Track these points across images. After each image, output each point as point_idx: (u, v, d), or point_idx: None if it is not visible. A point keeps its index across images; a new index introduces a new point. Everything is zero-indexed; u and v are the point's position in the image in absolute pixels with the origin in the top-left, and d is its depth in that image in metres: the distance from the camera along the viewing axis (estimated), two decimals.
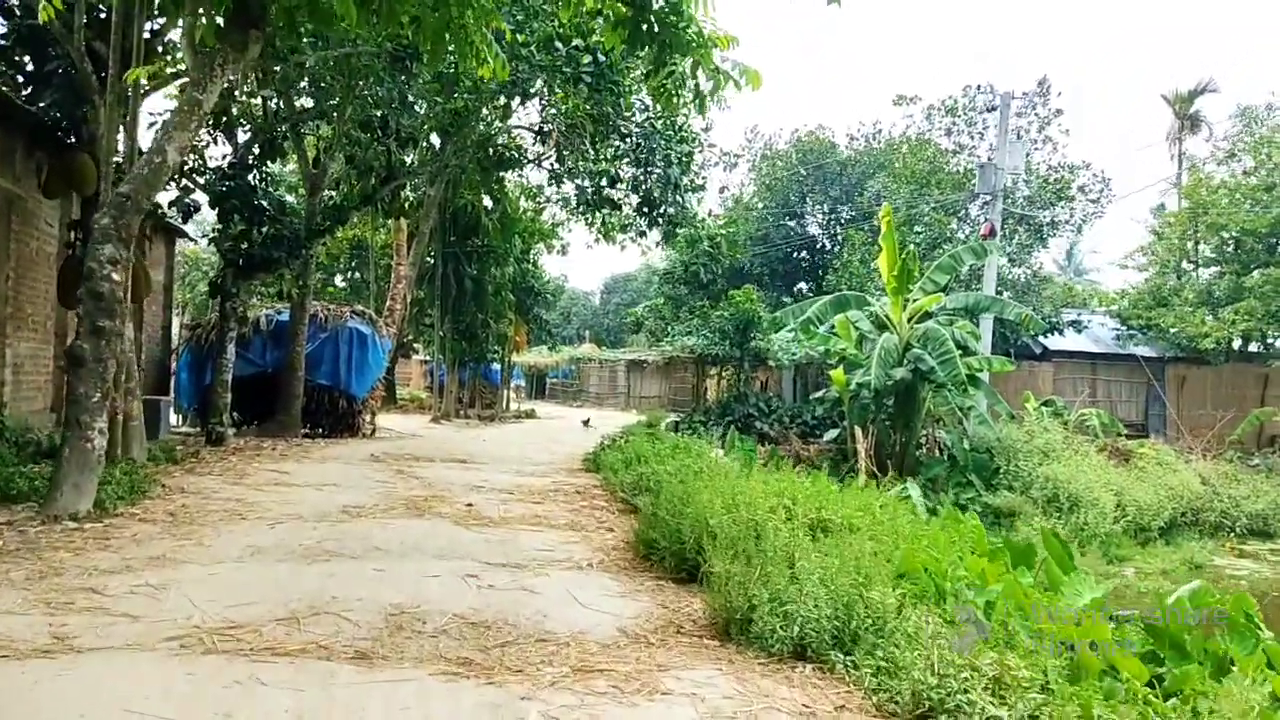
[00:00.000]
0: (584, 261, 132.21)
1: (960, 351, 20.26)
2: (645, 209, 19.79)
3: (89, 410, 8.19)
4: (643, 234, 24.75)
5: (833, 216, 40.93)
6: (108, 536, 7.35)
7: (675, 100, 9.26)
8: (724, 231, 30.69)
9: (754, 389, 29.74)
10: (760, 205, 41.57)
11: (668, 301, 43.29)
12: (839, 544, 5.81)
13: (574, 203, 29.83)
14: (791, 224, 40.78)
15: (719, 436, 27.16)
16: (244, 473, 12.17)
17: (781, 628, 4.87)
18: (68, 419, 8.21)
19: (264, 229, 17.12)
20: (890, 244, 21.62)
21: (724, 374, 31.80)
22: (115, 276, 8.43)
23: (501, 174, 21.56)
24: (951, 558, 5.92)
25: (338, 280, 43.10)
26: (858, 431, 22.22)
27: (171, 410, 20.77)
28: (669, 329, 41.32)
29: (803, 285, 41.84)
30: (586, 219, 34.17)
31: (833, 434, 24.68)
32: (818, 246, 40.83)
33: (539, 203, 34.56)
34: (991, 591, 5.32)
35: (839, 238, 38.60)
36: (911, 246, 23.61)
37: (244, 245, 16.95)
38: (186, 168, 15.83)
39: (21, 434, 12.26)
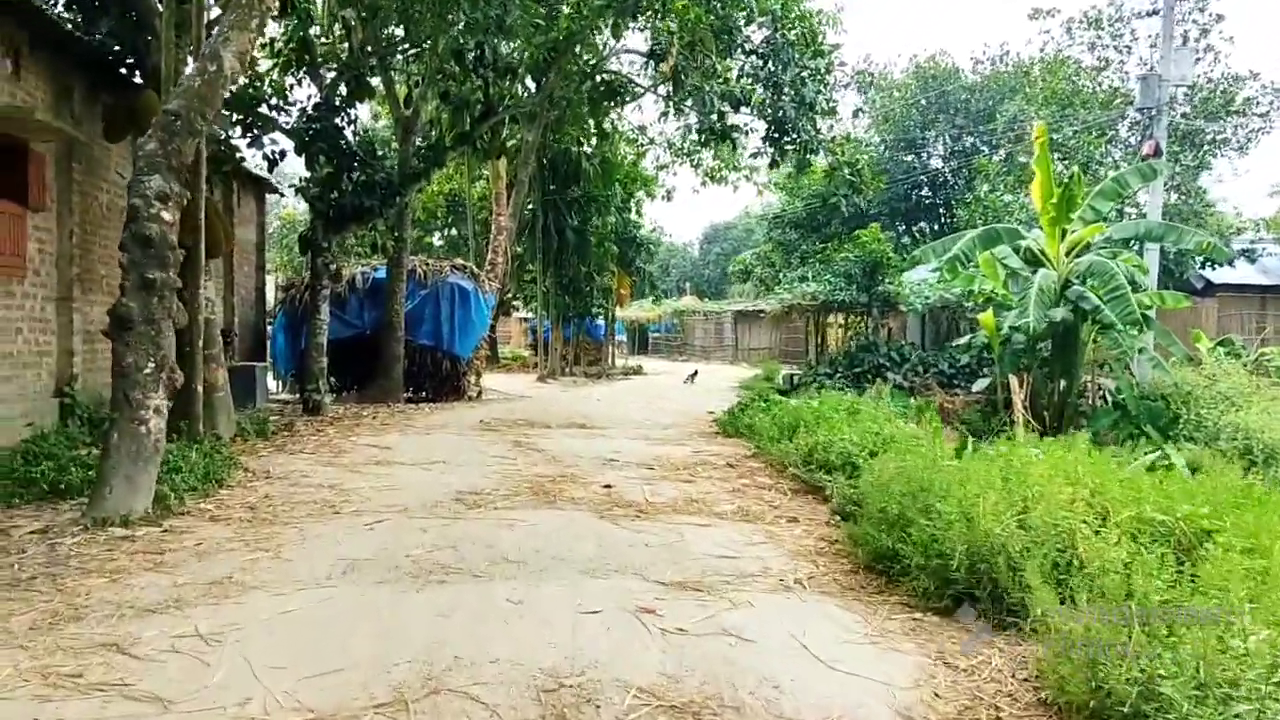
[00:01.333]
0: (681, 212, 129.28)
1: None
2: (775, 135, 17.46)
3: (141, 385, 6.52)
4: (774, 164, 22.17)
5: (957, 148, 37.72)
6: (162, 548, 5.66)
7: None
8: (866, 157, 27.97)
9: (881, 337, 27.23)
10: (876, 139, 38.58)
11: (777, 248, 40.82)
12: (1221, 568, 3.68)
13: (691, 135, 27.68)
14: (910, 158, 37.73)
15: (849, 390, 24.88)
16: (340, 449, 10.53)
17: None
18: (114, 398, 6.55)
19: (354, 175, 15.47)
20: (1045, 168, 18.86)
21: (849, 321, 29.35)
22: (166, 216, 6.70)
23: (610, 106, 19.44)
24: None
25: (435, 238, 41.82)
26: (1012, 380, 19.70)
27: (270, 376, 19.54)
28: (780, 276, 38.90)
29: (924, 225, 38.87)
30: (692, 161, 32.09)
31: (982, 384, 22.17)
32: (940, 182, 37.70)
33: (640, 147, 32.44)
34: None
35: (967, 171, 35.45)
36: (1076, 168, 20.77)
37: (333, 194, 15.33)
38: (269, 108, 14.22)
39: (95, 410, 10.86)
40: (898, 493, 5.26)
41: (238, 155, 14.14)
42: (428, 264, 20.04)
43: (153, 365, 6.56)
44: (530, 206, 30.81)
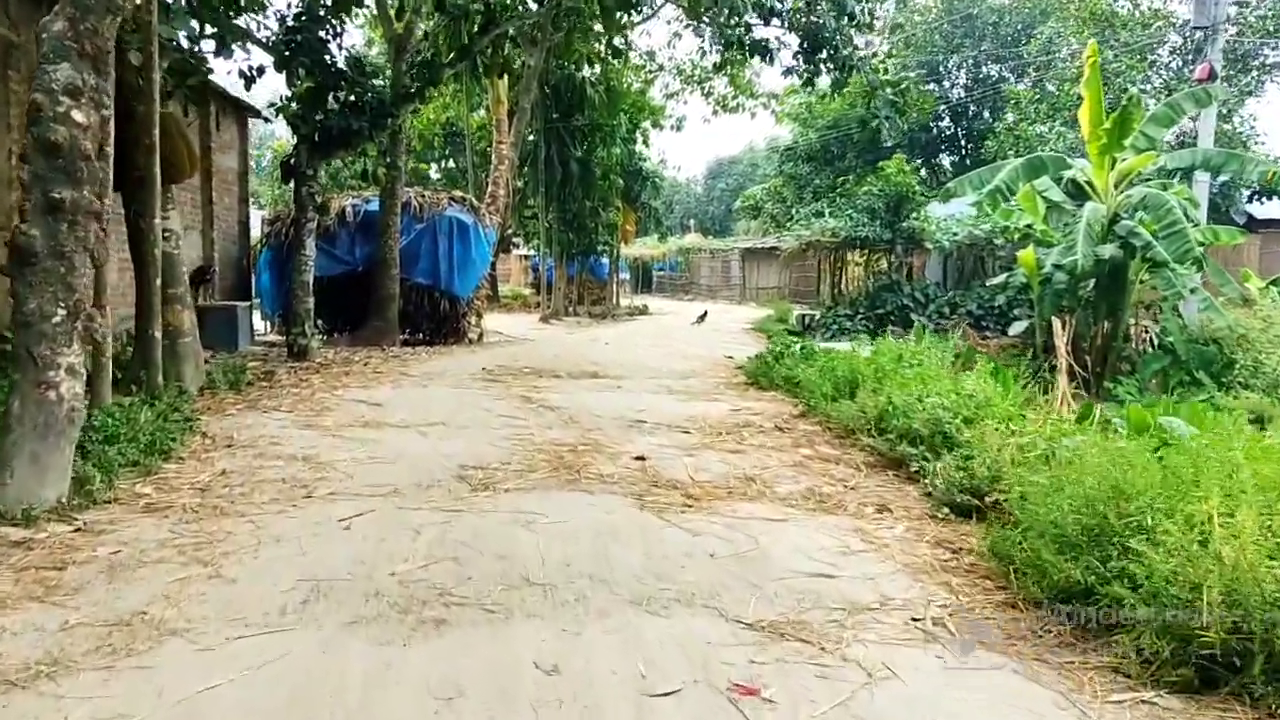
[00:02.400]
0: (684, 147, 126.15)
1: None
2: (809, 50, 15.66)
3: (48, 337, 5.01)
4: (809, 82, 20.25)
5: (980, 75, 35.67)
6: (65, 560, 4.21)
7: None
8: (913, 76, 26.15)
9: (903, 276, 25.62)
10: (898, 67, 36.44)
11: (788, 182, 38.97)
12: None
13: (705, 59, 25.82)
14: (932, 87, 35.66)
15: (867, 334, 23.40)
16: (323, 405, 9.07)
17: None
18: (16, 354, 5.05)
19: (341, 94, 13.79)
20: (1095, 91, 17.10)
21: (866, 260, 27.71)
22: (78, 116, 5.12)
23: (624, 18, 17.56)
24: None
25: (432, 171, 39.91)
26: (1055, 324, 18.21)
27: (256, 317, 18.01)
28: (792, 212, 37.13)
29: (944, 159, 36.99)
30: (703, 89, 30.18)
31: (1019, 326, 20.69)
32: (960, 113, 35.73)
33: (649, 73, 30.46)
34: None
35: (993, 99, 33.50)
36: (1134, 90, 19.03)
37: (318, 116, 13.66)
38: (240, 10, 12.46)
39: None
40: (1073, 497, 3.78)
41: (206, 68, 12.43)
42: (424, 196, 18.41)
43: (63, 312, 5.05)
44: (531, 137, 28.99)
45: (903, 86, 18.62)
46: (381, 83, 15.85)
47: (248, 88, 14.01)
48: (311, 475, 6.08)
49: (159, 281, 9.43)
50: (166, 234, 9.72)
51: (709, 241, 53.65)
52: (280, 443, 7.12)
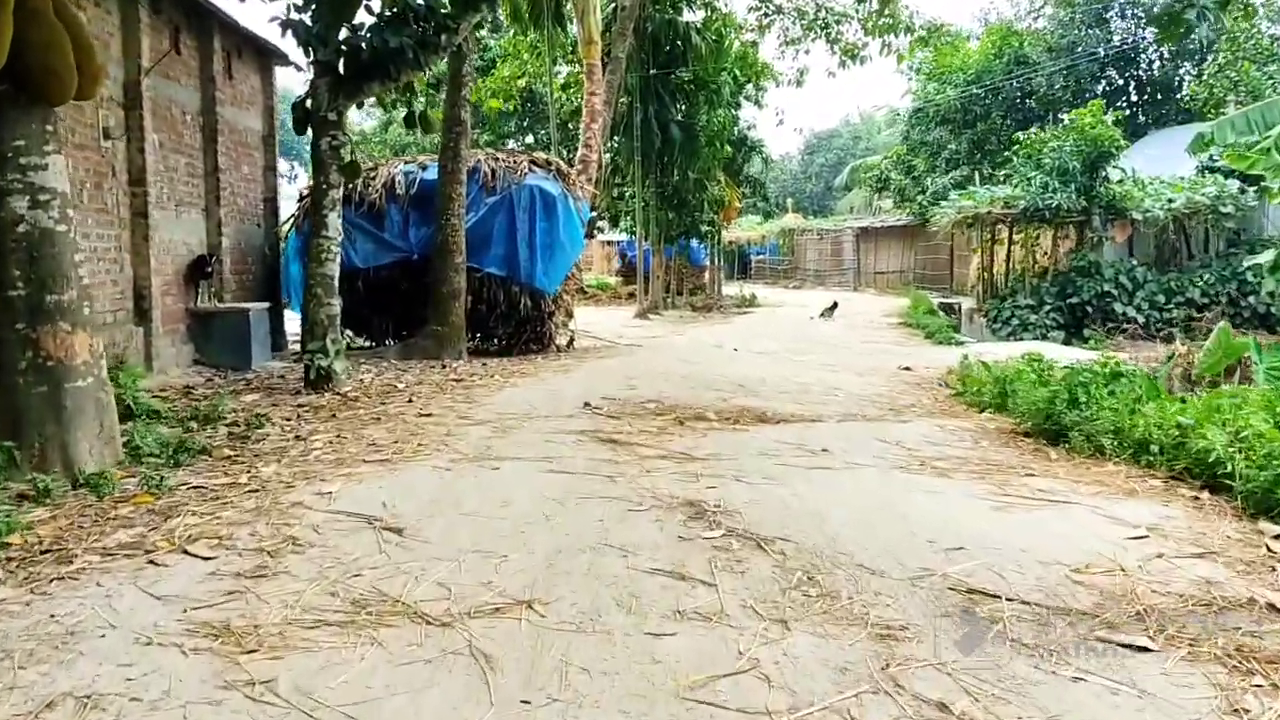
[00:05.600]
0: (771, 121, 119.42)
1: None
2: None
3: None
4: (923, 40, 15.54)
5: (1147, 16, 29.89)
6: None
7: None
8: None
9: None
10: (1050, 9, 30.96)
11: (918, 149, 33.71)
12: None
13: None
14: (1095, 32, 30.01)
15: (1060, 328, 18.36)
16: (303, 515, 4.70)
17: None
18: None
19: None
20: None
21: (1024, 238, 22.31)
22: None
23: None
24: None
25: (511, 146, 35.65)
26: None
27: (281, 320, 13.91)
28: (926, 183, 31.96)
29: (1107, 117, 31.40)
30: (828, 34, 25.19)
31: None
32: (1134, 61, 30.06)
33: (766, 16, 25.45)
34: None
35: (1193, 44, 27.75)
36: None
37: (342, 33, 9.37)
38: None
39: None
40: None
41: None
42: (498, 160, 14.05)
43: None
44: (625, 99, 24.48)
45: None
46: None
47: (283, 33, 9.62)
48: None
49: (21, 283, 5.26)
50: (41, 196, 5.49)
51: (814, 221, 48.43)
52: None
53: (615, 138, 25.88)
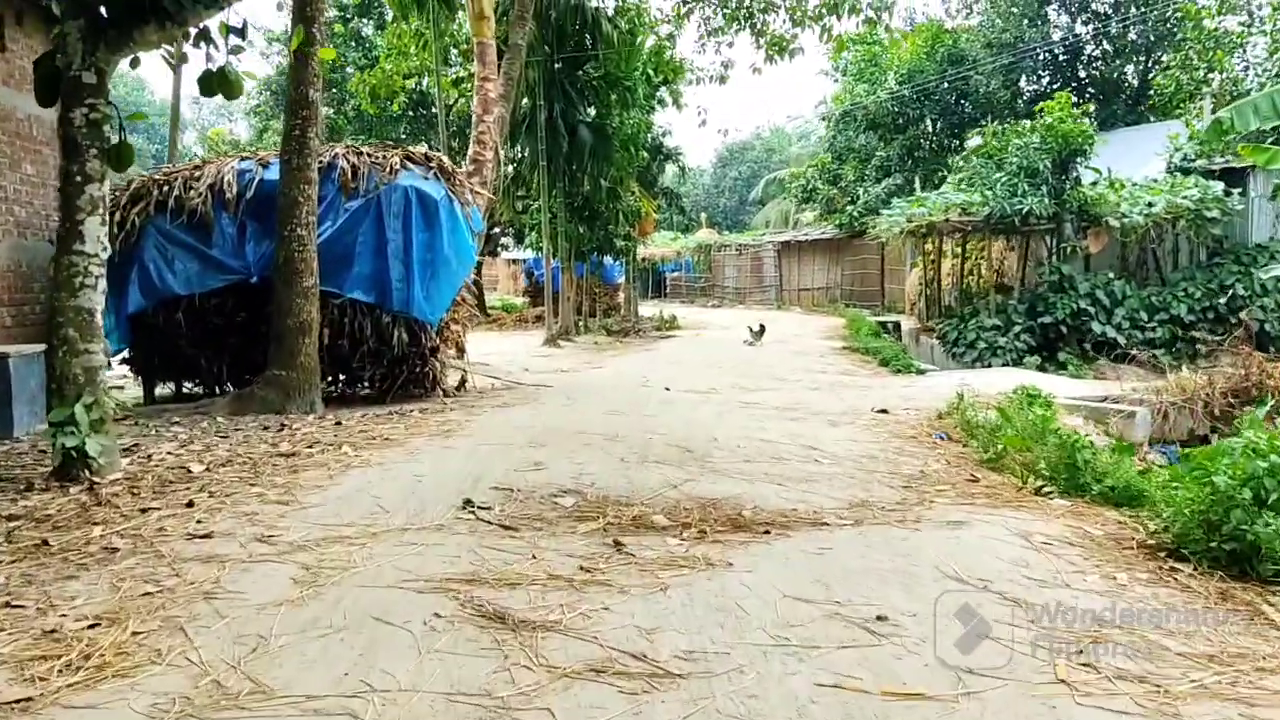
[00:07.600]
0: (688, 133, 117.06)
1: None
2: None
3: None
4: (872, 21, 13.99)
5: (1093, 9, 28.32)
6: None
7: None
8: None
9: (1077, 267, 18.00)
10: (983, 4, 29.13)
11: (846, 156, 31.44)
12: None
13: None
14: (1035, 29, 28.15)
15: (1032, 352, 16.02)
16: None
17: None
18: None
19: None
20: None
21: (968, 249, 19.93)
22: None
23: None
24: None
25: None
26: None
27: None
28: (856, 193, 29.73)
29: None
30: (753, 26, 22.74)
31: None
32: (1074, 60, 28.34)
33: (681, 7, 22.82)
34: None
35: (1143, 36, 26.04)
36: None
37: None
38: None
39: None
40: None
41: None
42: (360, 154, 10.94)
43: None
44: (527, 100, 21.57)
45: None
46: None
47: None
48: None
49: None
50: None
51: (732, 236, 46.08)
52: None
53: (518, 146, 22.94)
